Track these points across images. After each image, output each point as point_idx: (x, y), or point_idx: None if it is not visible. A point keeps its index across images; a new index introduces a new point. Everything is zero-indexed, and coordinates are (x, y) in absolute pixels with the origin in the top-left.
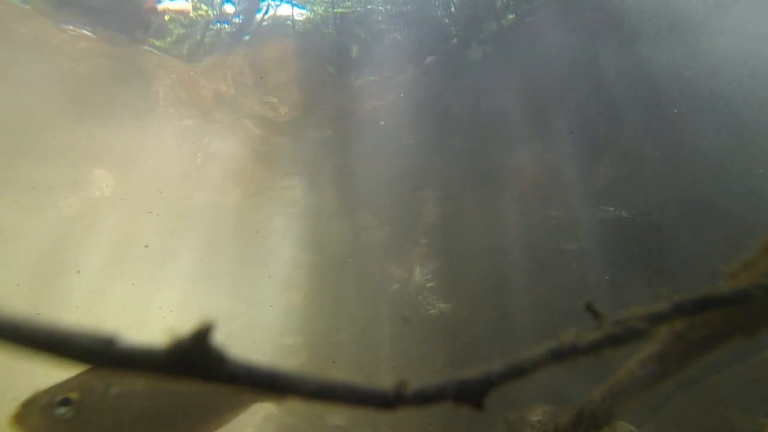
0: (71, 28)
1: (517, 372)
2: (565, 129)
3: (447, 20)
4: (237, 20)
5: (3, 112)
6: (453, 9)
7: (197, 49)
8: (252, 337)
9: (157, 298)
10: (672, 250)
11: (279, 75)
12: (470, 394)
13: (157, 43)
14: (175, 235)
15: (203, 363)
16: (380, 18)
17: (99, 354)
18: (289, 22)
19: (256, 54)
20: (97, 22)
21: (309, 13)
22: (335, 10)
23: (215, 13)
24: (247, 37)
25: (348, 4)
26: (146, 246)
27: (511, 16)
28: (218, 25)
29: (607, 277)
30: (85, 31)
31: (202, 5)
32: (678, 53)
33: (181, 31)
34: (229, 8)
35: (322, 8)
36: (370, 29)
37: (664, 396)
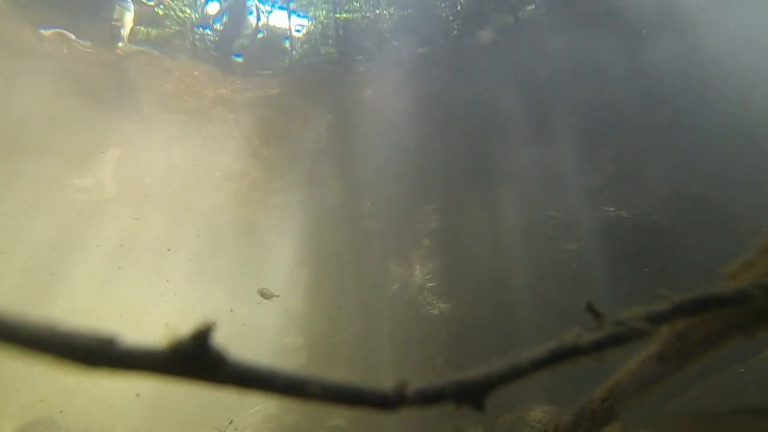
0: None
1: (517, 372)
2: (565, 128)
3: (450, 17)
4: (224, 19)
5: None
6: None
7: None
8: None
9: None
10: (672, 250)
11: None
12: (471, 395)
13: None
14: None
15: (203, 363)
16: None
17: (99, 355)
18: (287, 41)
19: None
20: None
21: (309, 22)
22: (337, 15)
23: (197, 16)
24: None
25: (355, 5)
26: (168, 249)
27: (530, 7)
28: (201, 29)
29: (607, 277)
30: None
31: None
32: (681, 53)
33: (174, 29)
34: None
35: (324, 12)
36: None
37: (665, 395)
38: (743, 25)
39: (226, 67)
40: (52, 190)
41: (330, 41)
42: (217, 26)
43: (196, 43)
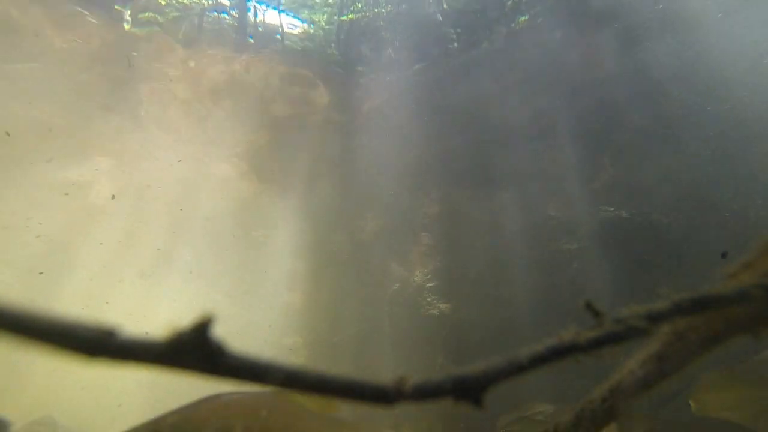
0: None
1: (516, 369)
2: (565, 128)
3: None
4: (234, 13)
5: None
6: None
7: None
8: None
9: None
10: (672, 250)
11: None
12: (469, 391)
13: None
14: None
15: (203, 355)
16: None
17: (99, 345)
18: (278, 35)
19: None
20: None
21: (306, 25)
22: (342, 18)
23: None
24: (251, 39)
25: (358, 5)
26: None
27: (522, 18)
28: (215, 14)
29: (607, 277)
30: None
31: None
32: (679, 54)
33: (176, 14)
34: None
35: (325, 17)
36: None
37: (664, 396)
38: (743, 26)
39: (242, 47)
40: (54, 189)
41: (333, 44)
42: (234, 13)
43: (204, 25)
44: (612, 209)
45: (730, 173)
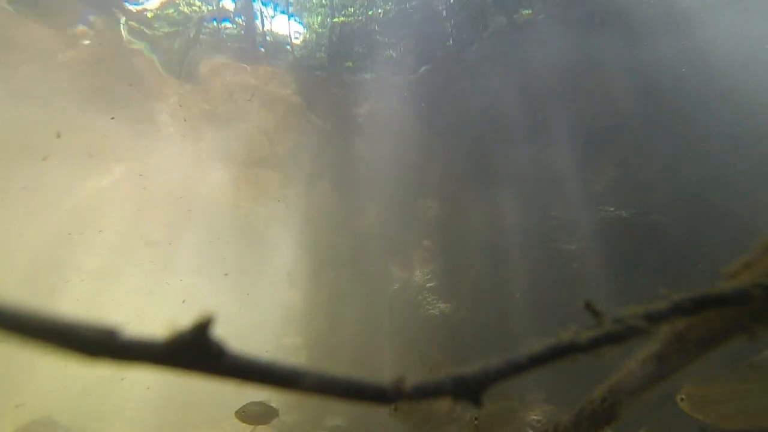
0: None
1: (515, 368)
2: (565, 129)
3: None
4: (240, 20)
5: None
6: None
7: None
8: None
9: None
10: (672, 250)
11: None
12: (468, 390)
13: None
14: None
15: (203, 356)
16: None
17: (101, 346)
18: (288, 46)
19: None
20: None
21: (305, 30)
22: (335, 20)
23: (211, 8)
24: (262, 49)
25: (350, 10)
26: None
27: (526, 12)
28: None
29: (607, 277)
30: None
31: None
32: (680, 53)
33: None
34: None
35: (319, 19)
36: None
37: (664, 396)
38: (743, 26)
39: (253, 57)
40: (58, 192)
41: (323, 47)
42: (240, 21)
43: (202, 36)
44: (612, 209)
45: (730, 173)
